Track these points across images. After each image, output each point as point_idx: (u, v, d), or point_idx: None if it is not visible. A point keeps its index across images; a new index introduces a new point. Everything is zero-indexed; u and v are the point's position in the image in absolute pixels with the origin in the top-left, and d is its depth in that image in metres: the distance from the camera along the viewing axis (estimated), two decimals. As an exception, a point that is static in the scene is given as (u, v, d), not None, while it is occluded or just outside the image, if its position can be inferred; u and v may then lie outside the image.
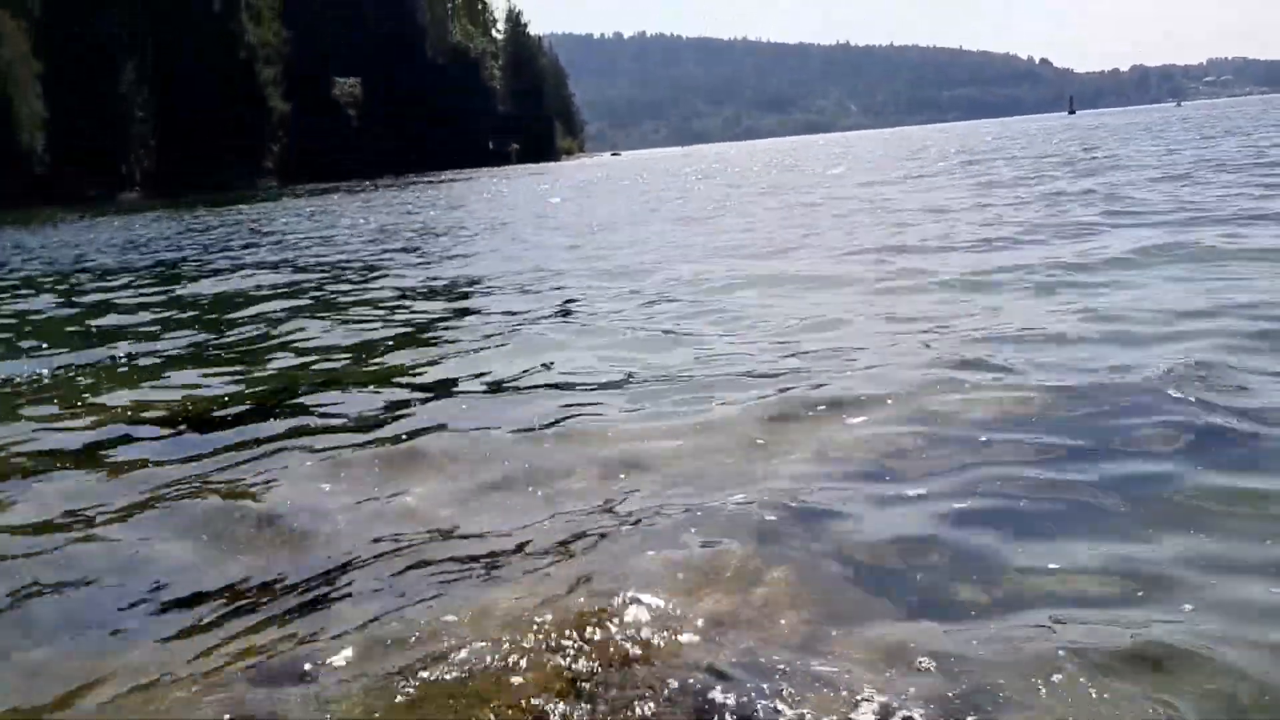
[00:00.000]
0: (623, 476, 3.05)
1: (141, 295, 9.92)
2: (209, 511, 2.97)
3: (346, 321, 6.89)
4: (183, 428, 4.06)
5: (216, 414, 4.27)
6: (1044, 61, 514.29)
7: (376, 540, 2.70)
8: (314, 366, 5.26)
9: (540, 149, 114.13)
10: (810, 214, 12.87)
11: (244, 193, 58.38)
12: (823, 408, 3.52)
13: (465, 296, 7.89)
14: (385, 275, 9.84)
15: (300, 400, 4.44)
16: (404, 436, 3.65)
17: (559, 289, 7.67)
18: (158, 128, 75.76)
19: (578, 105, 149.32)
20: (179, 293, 9.91)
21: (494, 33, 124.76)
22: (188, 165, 73.96)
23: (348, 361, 5.36)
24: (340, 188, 54.15)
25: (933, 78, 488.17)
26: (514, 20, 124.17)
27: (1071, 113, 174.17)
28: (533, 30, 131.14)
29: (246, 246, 15.64)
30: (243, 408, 4.36)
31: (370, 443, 3.60)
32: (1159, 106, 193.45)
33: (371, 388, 4.60)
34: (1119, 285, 5.69)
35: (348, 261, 11.69)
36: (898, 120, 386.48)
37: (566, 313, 6.48)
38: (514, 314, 6.60)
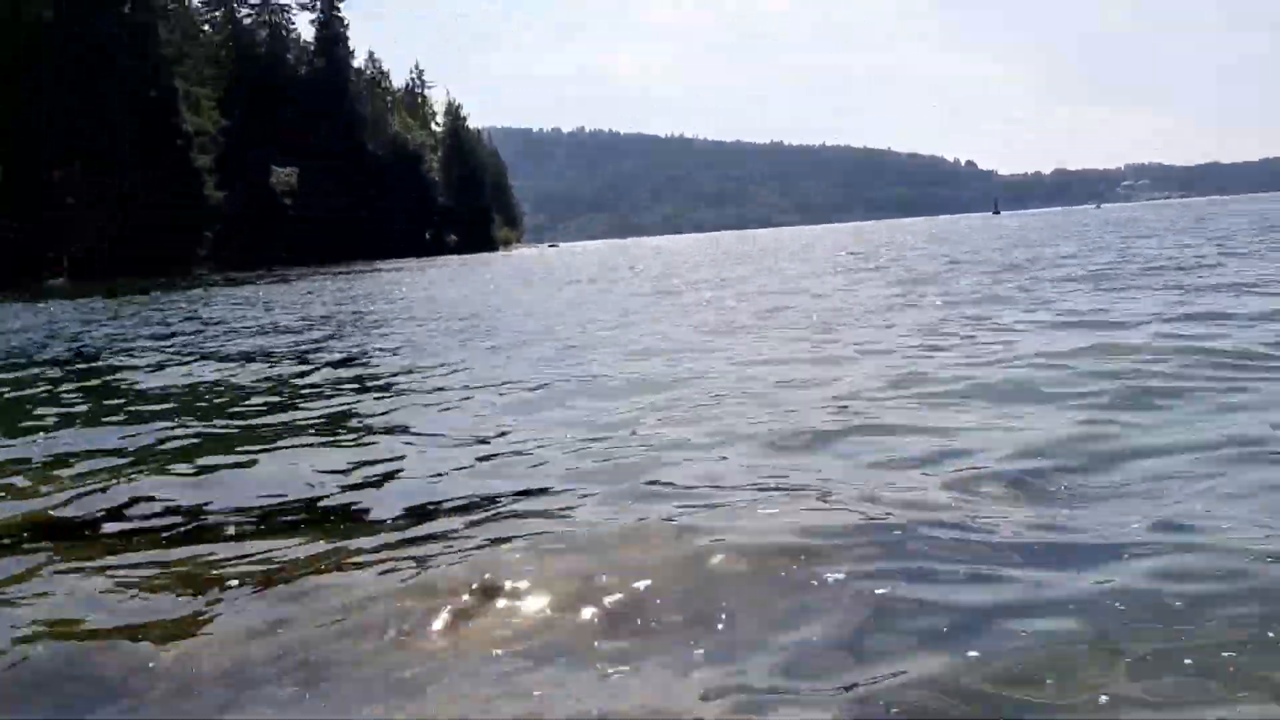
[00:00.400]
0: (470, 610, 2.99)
1: (49, 388, 9.71)
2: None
3: (253, 414, 6.81)
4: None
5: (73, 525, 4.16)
6: (970, 163, 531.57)
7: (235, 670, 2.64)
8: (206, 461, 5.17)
9: (478, 240, 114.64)
10: (722, 311, 13.05)
11: (177, 280, 57.73)
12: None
13: (363, 390, 7.83)
14: (308, 367, 9.75)
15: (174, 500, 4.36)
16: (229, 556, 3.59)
17: (456, 391, 7.64)
18: (90, 214, 74.85)
19: (517, 197, 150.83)
20: (89, 386, 9.72)
21: (433, 125, 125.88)
22: (120, 252, 72.97)
23: (227, 463, 5.28)
24: (275, 276, 53.84)
25: (864, 177, 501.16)
26: (453, 113, 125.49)
27: (996, 213, 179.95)
28: (472, 123, 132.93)
29: (170, 336, 15.43)
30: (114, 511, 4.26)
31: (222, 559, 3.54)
32: (1080, 209, 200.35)
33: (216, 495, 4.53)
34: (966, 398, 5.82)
35: (269, 351, 11.58)
36: (831, 216, 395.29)
37: (440, 419, 6.42)
38: (399, 428, 6.57)
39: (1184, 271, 14.01)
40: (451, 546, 3.44)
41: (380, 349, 11.27)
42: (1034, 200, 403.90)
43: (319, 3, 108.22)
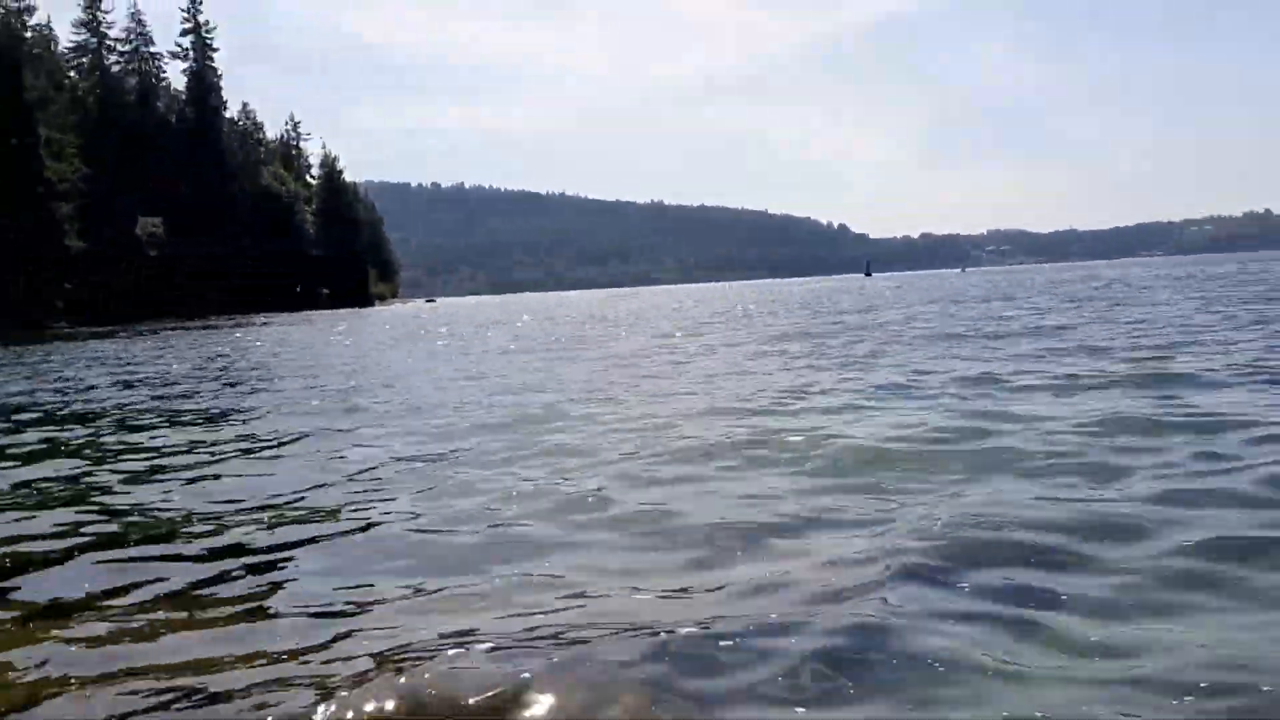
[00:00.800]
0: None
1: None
2: None
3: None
4: None
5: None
6: (842, 227, 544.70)
7: None
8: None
9: (353, 294, 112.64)
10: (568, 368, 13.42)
11: (30, 333, 55.53)
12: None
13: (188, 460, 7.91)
14: (136, 431, 9.73)
15: None
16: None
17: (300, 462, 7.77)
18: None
19: (394, 251, 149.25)
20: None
21: (308, 177, 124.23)
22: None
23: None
24: (137, 330, 52.25)
25: (742, 237, 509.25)
26: (329, 166, 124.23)
27: (868, 275, 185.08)
28: (349, 177, 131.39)
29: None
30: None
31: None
32: (946, 272, 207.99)
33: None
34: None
35: (107, 413, 11.47)
36: (710, 276, 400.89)
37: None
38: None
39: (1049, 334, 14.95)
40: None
41: (237, 414, 11.26)
42: (903, 263, 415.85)
43: (191, 52, 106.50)
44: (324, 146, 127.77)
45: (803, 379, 10.56)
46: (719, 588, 3.61)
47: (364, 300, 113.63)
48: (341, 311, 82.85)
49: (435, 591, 3.78)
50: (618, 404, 9.23)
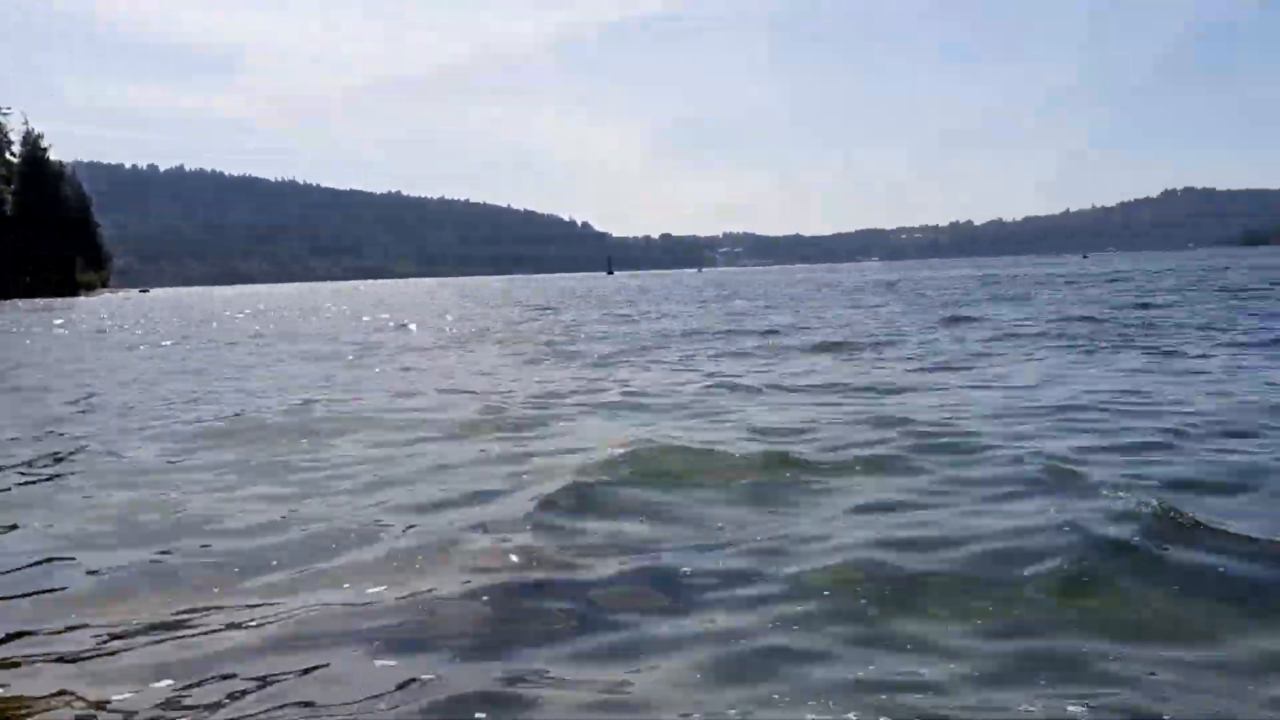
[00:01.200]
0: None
1: None
2: None
3: None
4: None
5: None
6: (585, 225, 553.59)
7: None
8: None
9: (58, 282, 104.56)
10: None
11: None
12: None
13: None
14: None
15: None
16: None
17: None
18: None
19: (105, 238, 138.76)
20: None
21: (8, 155, 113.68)
22: None
23: None
24: None
25: (484, 232, 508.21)
26: (32, 143, 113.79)
27: (610, 273, 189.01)
28: (55, 155, 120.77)
29: None
30: None
31: None
32: (684, 271, 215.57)
33: None
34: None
35: None
36: (450, 270, 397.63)
37: None
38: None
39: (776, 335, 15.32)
40: None
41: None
42: (644, 262, 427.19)
43: None
44: (26, 122, 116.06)
45: (506, 379, 10.43)
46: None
47: (69, 289, 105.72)
48: (41, 302, 76.44)
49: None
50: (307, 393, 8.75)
